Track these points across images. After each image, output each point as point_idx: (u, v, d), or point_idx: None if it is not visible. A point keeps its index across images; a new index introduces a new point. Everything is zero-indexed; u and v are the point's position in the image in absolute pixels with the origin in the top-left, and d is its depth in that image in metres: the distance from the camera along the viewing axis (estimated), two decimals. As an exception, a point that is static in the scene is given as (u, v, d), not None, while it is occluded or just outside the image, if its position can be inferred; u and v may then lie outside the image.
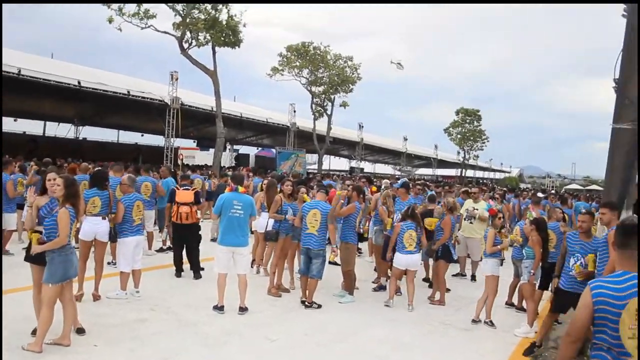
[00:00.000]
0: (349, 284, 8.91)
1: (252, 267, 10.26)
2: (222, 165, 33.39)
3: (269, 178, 11.64)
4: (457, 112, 59.72)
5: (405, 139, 57.26)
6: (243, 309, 7.63)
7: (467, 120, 59.18)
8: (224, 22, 25.41)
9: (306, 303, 8.25)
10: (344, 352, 6.50)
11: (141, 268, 8.26)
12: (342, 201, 9.20)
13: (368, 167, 74.23)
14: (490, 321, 7.97)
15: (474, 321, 8.01)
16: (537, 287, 8.06)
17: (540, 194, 21.61)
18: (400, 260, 8.63)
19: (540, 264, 7.77)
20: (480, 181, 73.68)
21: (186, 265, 9.69)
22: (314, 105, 38.41)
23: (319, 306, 8.26)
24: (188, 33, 25.30)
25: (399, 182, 13.42)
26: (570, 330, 3.14)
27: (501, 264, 8.29)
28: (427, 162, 67.78)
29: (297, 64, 36.70)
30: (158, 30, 24.76)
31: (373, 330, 7.40)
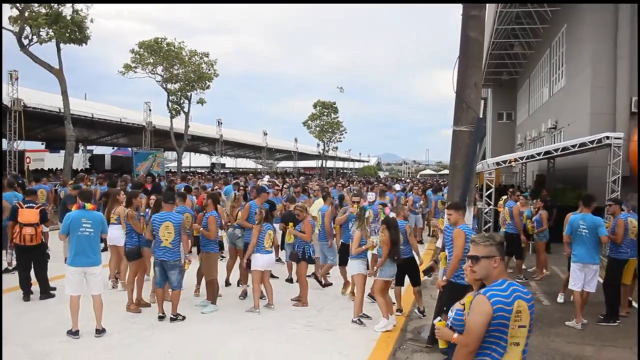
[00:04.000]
0: (212, 294, 8.79)
1: (108, 279, 9.88)
2: (74, 168, 31.48)
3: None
4: (315, 105, 61.01)
5: (265, 134, 57.48)
6: (100, 331, 7.27)
7: (325, 113, 60.64)
8: (69, 18, 23.76)
9: (171, 315, 8.04)
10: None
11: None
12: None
13: (230, 162, 73.73)
14: (359, 319, 8.21)
15: (353, 321, 8.20)
16: (392, 283, 8.44)
17: (397, 186, 22.65)
18: (261, 261, 8.72)
19: (392, 260, 8.09)
20: (341, 171, 75.82)
21: (35, 287, 9.03)
22: (170, 103, 37.26)
23: (184, 318, 8.09)
24: (28, 28, 23.37)
25: (259, 185, 13.38)
26: (469, 341, 3.26)
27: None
28: (288, 155, 68.58)
29: (151, 60, 35.36)
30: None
31: (237, 341, 7.36)
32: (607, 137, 15.30)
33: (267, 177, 27.46)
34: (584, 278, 8.38)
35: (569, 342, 7.59)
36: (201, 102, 38.12)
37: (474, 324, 3.25)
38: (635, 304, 9.38)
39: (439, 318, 3.80)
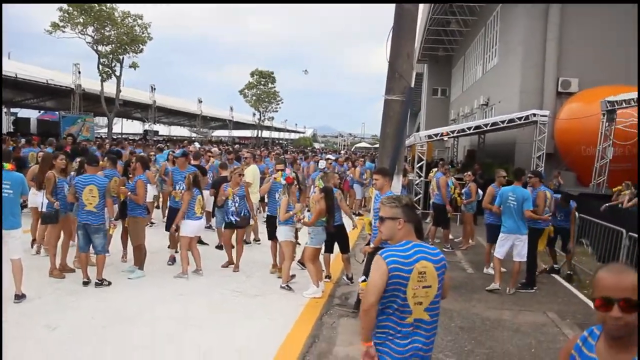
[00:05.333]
0: (139, 259, 8.62)
1: (32, 247, 9.54)
2: (-4, 131, 30.04)
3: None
4: (252, 74, 60.35)
5: (200, 101, 56.47)
6: (20, 297, 6.99)
7: (262, 82, 60.11)
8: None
9: (96, 281, 7.84)
10: (134, 334, 6.26)
11: None
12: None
13: (163, 129, 72.16)
14: (288, 285, 8.26)
15: (282, 287, 8.24)
16: (323, 250, 8.53)
17: (330, 156, 22.80)
18: (191, 227, 8.63)
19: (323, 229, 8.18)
20: (276, 141, 75.63)
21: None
22: (101, 66, 35.90)
23: (109, 283, 7.91)
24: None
25: (178, 152, 13.11)
26: (366, 295, 3.35)
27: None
28: (224, 123, 67.73)
29: (81, 20, 33.87)
30: None
31: (164, 307, 7.24)
32: (534, 115, 15.86)
33: (196, 144, 27.16)
34: (508, 248, 8.72)
35: (489, 307, 7.92)
36: (134, 66, 36.92)
37: (370, 281, 3.34)
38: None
39: (362, 278, 3.86)
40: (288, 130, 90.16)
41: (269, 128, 73.20)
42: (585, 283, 9.24)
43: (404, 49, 7.31)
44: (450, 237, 12.65)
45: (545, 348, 6.31)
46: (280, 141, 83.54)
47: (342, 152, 48.32)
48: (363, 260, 7.67)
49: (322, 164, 16.15)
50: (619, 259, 8.81)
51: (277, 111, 64.04)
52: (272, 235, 9.24)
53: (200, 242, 10.04)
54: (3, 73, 29.13)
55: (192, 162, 11.06)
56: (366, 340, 3.38)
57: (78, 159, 9.41)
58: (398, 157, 7.36)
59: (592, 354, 2.12)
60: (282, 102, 62.78)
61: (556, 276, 9.88)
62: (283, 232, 8.33)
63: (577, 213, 10.44)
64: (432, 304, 3.42)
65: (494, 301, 8.25)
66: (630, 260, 8.79)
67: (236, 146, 43.29)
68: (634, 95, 14.07)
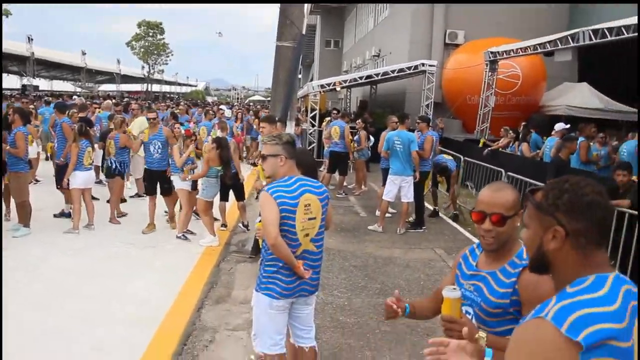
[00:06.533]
0: (24, 216, 8.16)
1: None
2: None
3: None
4: (140, 25, 57.73)
5: (84, 54, 53.27)
6: None
7: (150, 34, 57.70)
8: None
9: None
10: (30, 291, 6.00)
11: None
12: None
13: (44, 84, 67.68)
14: (184, 235, 8.20)
15: (177, 237, 8.14)
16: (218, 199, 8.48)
17: (223, 107, 22.48)
18: (81, 179, 8.32)
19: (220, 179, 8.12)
20: (167, 95, 73.31)
21: None
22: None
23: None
24: None
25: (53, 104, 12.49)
26: (265, 231, 3.45)
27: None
28: (111, 77, 64.55)
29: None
30: None
31: (58, 261, 6.98)
32: (423, 65, 16.37)
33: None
34: (397, 190, 9.06)
35: (381, 247, 8.28)
36: (6, 13, 34.21)
37: (265, 217, 3.46)
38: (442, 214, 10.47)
39: (258, 219, 3.92)
40: (179, 84, 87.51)
41: (159, 82, 70.69)
42: (470, 222, 9.84)
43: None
44: (345, 183, 12.95)
45: (433, 280, 6.70)
46: (172, 95, 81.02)
47: (235, 104, 47.72)
48: (257, 197, 7.71)
49: (228, 112, 15.98)
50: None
51: (167, 64, 61.94)
52: (150, 191, 8.94)
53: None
54: None
55: (79, 114, 10.50)
56: (295, 265, 3.50)
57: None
58: (290, 104, 7.40)
59: (474, 262, 2.31)
60: (172, 55, 60.73)
61: (443, 216, 10.44)
62: (179, 180, 8.20)
63: (462, 157, 11.00)
64: (317, 234, 3.61)
65: (385, 241, 8.61)
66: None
67: (125, 100, 41.56)
68: (515, 46, 14.80)
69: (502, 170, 9.51)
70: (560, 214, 1.47)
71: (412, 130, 9.48)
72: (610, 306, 1.35)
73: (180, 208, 8.44)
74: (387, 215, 9.91)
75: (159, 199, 8.83)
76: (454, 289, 2.00)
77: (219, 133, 9.31)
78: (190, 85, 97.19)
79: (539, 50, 13.65)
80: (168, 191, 8.72)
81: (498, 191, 2.17)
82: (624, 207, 6.05)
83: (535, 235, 1.53)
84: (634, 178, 7.37)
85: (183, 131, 8.63)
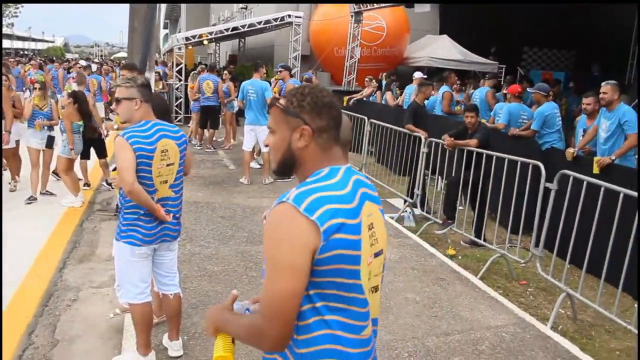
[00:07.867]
0: None
1: None
2: None
3: None
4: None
5: None
6: None
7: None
8: None
9: None
10: None
11: None
12: None
13: None
14: (48, 191, 7.91)
15: (32, 197, 7.66)
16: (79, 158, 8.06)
17: (82, 62, 21.20)
18: None
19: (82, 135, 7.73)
20: (21, 52, 67.79)
21: None
22: None
23: None
24: None
25: None
26: (120, 179, 3.36)
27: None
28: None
29: None
30: None
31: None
32: (289, 16, 16.30)
33: None
34: (255, 139, 9.10)
35: (249, 197, 8.38)
36: None
37: (120, 163, 3.36)
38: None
39: (112, 167, 3.80)
40: (33, 40, 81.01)
41: (9, 37, 64.96)
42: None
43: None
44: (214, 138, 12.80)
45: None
46: (25, 51, 74.99)
47: (96, 60, 45.14)
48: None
49: (94, 66, 15.00)
50: (363, 142, 9.71)
51: (16, 16, 56.89)
52: None
53: None
54: None
55: None
56: (155, 209, 3.44)
57: None
58: (148, 53, 7.12)
59: None
60: (21, 6, 55.86)
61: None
62: (28, 137, 7.68)
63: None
64: (175, 180, 3.57)
65: (254, 192, 8.70)
66: (369, 143, 9.77)
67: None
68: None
69: (365, 118, 9.80)
70: (306, 114, 1.62)
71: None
72: (341, 190, 1.57)
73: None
74: (256, 166, 9.96)
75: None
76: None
77: (74, 87, 8.73)
78: (46, 41, 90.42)
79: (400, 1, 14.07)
80: None
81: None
82: (472, 146, 6.49)
83: (283, 137, 1.66)
84: (483, 121, 7.94)
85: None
